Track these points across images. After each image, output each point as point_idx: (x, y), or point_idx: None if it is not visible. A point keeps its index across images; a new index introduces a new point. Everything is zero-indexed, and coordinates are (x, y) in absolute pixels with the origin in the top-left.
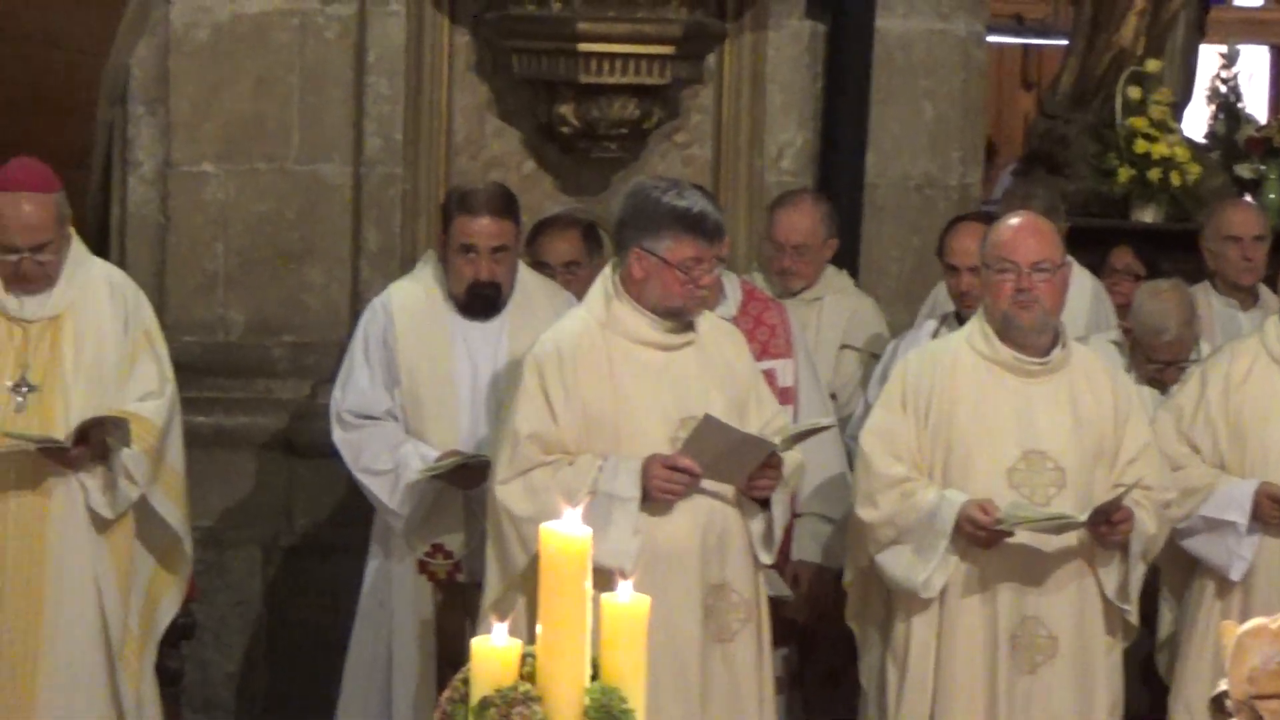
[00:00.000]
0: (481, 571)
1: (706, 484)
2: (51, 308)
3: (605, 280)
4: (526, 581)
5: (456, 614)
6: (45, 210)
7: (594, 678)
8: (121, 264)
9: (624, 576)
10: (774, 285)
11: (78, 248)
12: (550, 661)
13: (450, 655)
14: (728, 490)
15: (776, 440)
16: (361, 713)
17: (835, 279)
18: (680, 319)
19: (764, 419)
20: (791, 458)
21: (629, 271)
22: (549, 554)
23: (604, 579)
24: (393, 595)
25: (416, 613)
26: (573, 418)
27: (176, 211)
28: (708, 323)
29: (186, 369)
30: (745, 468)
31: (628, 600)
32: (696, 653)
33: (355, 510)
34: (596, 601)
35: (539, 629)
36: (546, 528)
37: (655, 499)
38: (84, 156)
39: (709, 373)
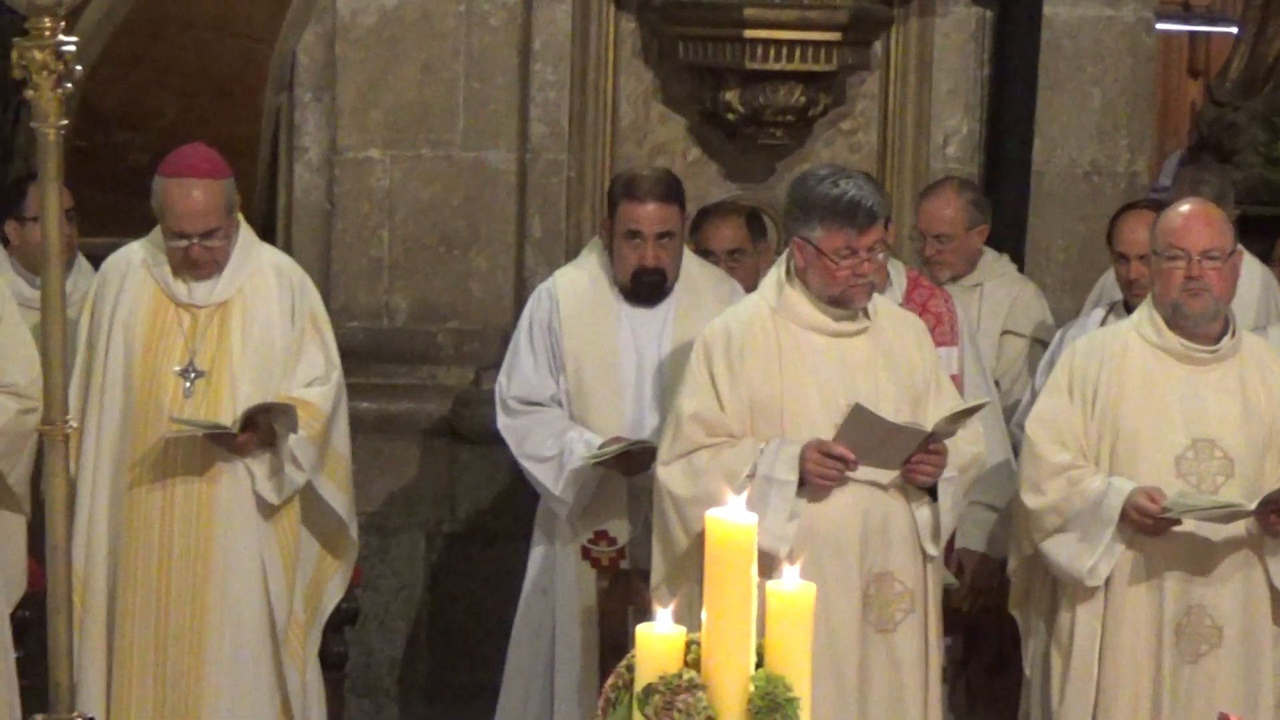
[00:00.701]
0: (645, 559)
1: (869, 472)
2: (220, 294)
3: (779, 266)
4: (693, 566)
5: (620, 601)
6: (214, 197)
7: (758, 665)
8: (287, 250)
9: (781, 560)
10: (926, 274)
11: (246, 234)
12: (715, 649)
13: (613, 642)
14: (893, 477)
15: (928, 427)
16: (524, 699)
17: (995, 264)
18: (845, 307)
19: (943, 410)
20: (968, 450)
21: (795, 259)
22: (714, 541)
23: (763, 563)
24: (556, 582)
25: (580, 599)
26: (739, 402)
27: (342, 198)
28: (887, 311)
29: (351, 355)
30: (901, 454)
31: (793, 588)
32: (855, 641)
33: (519, 497)
34: (761, 589)
35: (704, 616)
36: (712, 515)
37: (811, 484)
38: (252, 143)
39: (882, 361)
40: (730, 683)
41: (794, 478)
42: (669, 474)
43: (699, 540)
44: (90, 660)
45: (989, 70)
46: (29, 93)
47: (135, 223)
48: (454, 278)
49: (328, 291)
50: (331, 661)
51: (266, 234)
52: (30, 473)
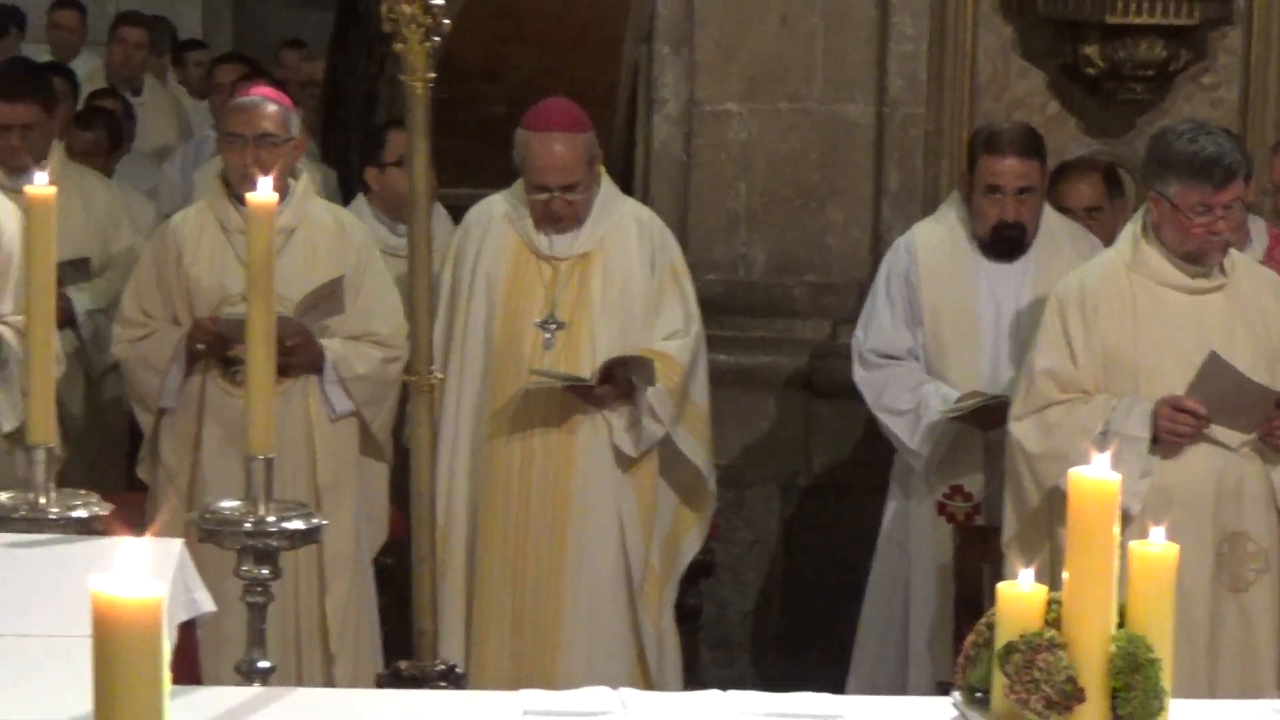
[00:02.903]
0: (1001, 514)
1: (1220, 433)
2: (580, 246)
3: (1135, 221)
4: (1044, 522)
5: (975, 557)
6: (575, 150)
7: (1119, 625)
8: (644, 202)
9: (1133, 518)
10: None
11: (607, 187)
12: (1076, 608)
13: (968, 598)
14: (1244, 440)
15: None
16: (877, 653)
17: None
18: (1199, 264)
19: None
20: None
21: (1151, 214)
22: (1078, 499)
23: None
24: (911, 536)
25: (935, 555)
26: (1092, 358)
27: (700, 150)
28: (1246, 268)
29: (708, 307)
30: (1254, 415)
31: (1157, 547)
32: (1205, 601)
33: (874, 450)
34: (1123, 548)
35: (1065, 574)
36: (1076, 472)
37: (1163, 441)
38: (610, 95)
39: (1238, 318)
40: (1091, 642)
41: (1147, 434)
42: (1021, 429)
43: (1050, 496)
44: (449, 608)
45: None
46: (398, 46)
47: (494, 174)
48: (810, 231)
49: (684, 243)
50: (686, 613)
51: (623, 186)
52: (393, 421)
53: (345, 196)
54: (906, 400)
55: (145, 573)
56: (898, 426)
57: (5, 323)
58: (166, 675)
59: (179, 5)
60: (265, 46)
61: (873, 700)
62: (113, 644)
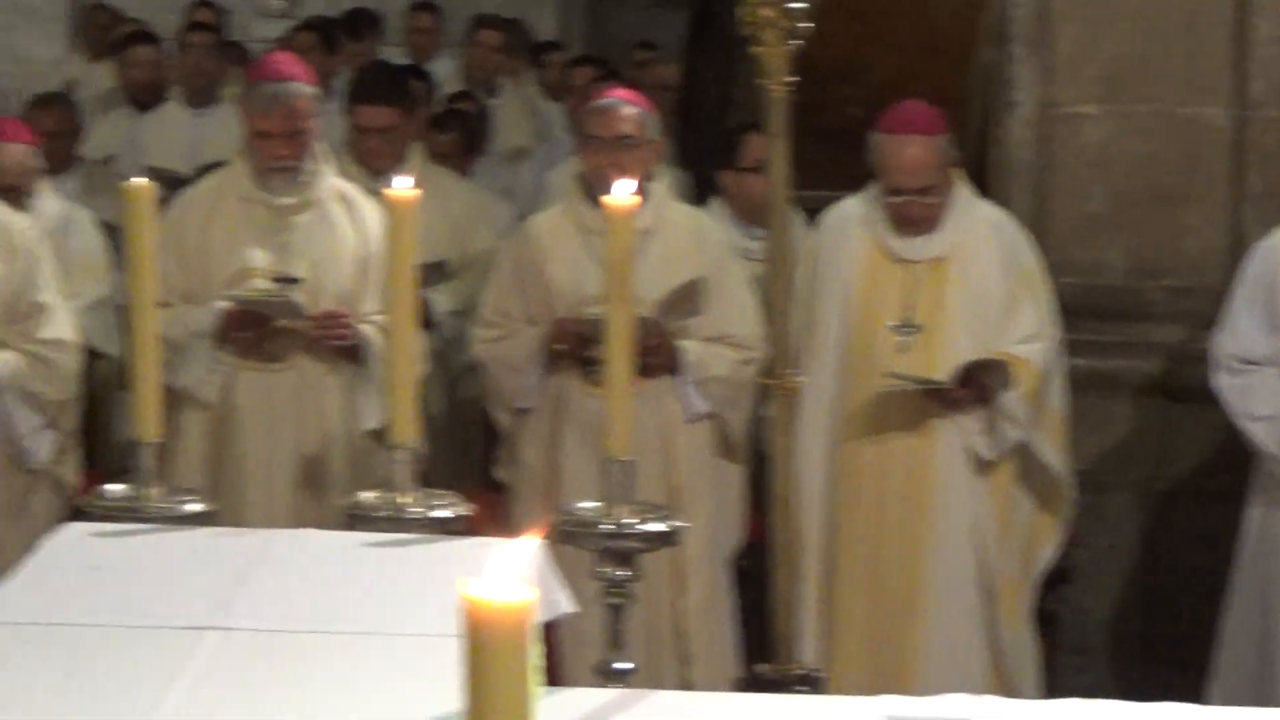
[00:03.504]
0: None
1: None
2: (935, 249)
3: None
4: None
5: None
6: (930, 153)
7: None
8: (999, 205)
9: None
10: None
11: (962, 190)
12: None
13: None
14: None
15: None
16: (1238, 663)
17: None
18: None
19: None
20: None
21: None
22: None
23: None
24: (1274, 545)
25: None
26: None
27: (1056, 153)
28: None
29: (1065, 311)
30: None
31: None
32: None
33: (1234, 456)
34: None
35: None
36: None
37: None
38: (965, 97)
39: None
40: None
41: None
42: None
43: None
44: (805, 612)
45: None
46: (756, 50)
47: (849, 177)
48: (1168, 234)
49: (1041, 246)
50: (1044, 619)
51: (978, 189)
52: (749, 423)
53: (699, 199)
54: (1268, 406)
55: (518, 575)
56: (1259, 433)
57: (369, 321)
58: (536, 678)
59: (533, 7)
60: (618, 48)
61: (1237, 711)
62: (484, 647)
